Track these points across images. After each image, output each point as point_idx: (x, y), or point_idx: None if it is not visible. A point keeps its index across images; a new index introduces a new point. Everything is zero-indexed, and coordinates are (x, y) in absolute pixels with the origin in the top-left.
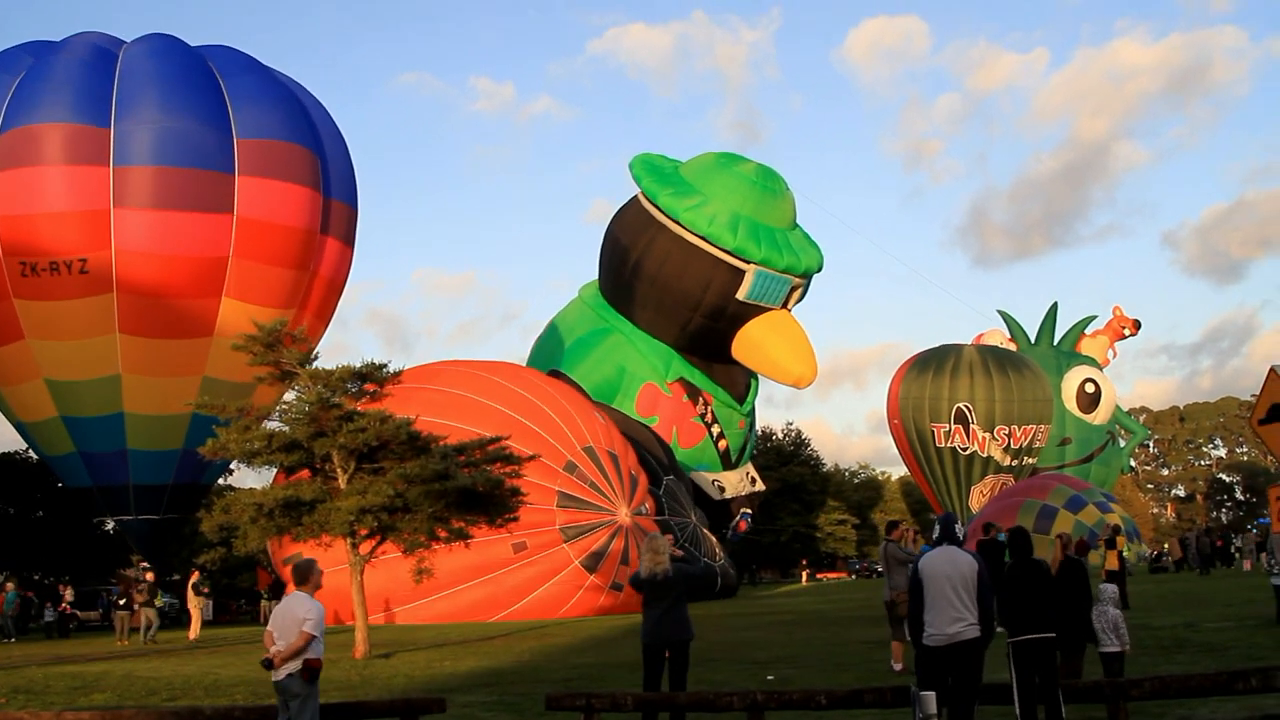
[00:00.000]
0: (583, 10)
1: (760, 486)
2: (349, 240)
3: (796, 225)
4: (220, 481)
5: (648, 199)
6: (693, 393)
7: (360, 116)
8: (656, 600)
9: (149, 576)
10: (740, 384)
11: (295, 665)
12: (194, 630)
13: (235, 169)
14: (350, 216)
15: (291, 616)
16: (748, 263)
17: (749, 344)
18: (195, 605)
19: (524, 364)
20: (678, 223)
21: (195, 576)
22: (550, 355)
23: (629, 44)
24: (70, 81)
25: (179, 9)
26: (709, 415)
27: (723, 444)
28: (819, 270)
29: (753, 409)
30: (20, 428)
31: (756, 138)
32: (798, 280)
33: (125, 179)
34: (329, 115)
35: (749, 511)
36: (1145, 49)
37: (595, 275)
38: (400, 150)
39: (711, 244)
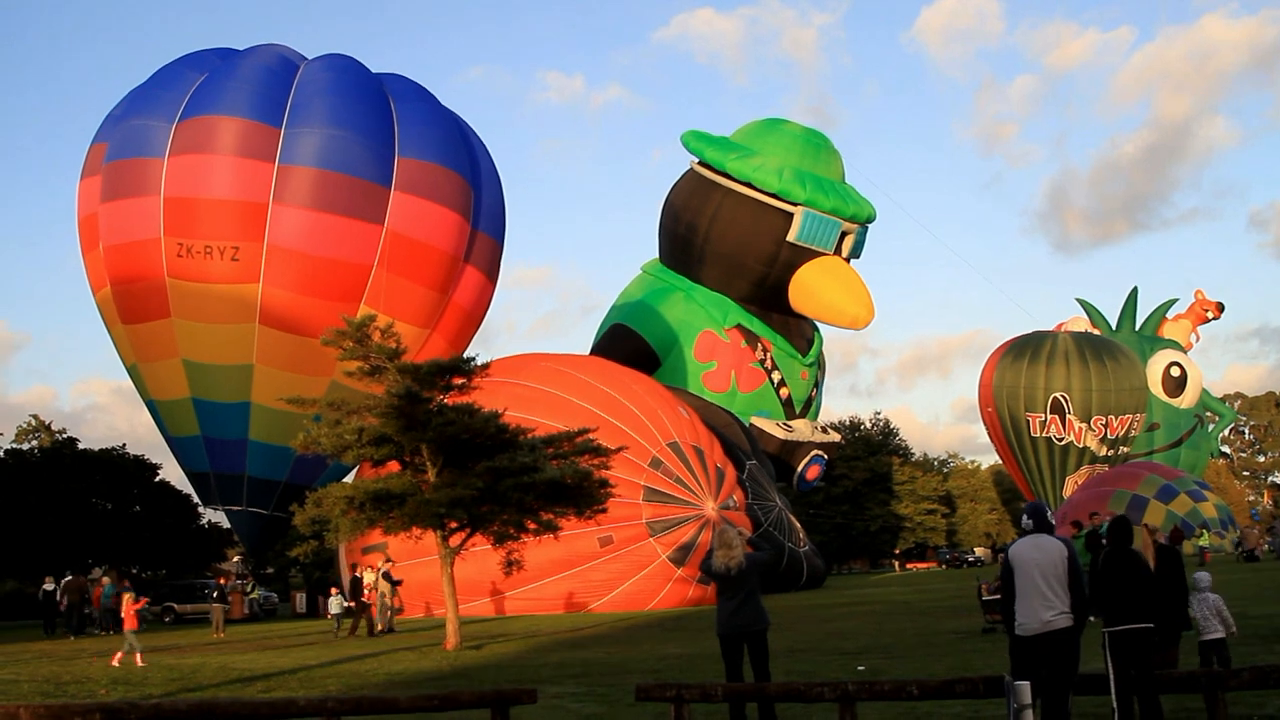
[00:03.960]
0: None
1: (835, 437)
2: (491, 274)
3: (846, 182)
4: None
5: (698, 161)
6: (751, 339)
7: None
8: (731, 592)
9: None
10: (802, 336)
11: None
12: (380, 621)
13: (392, 183)
14: (495, 251)
15: None
16: (794, 204)
17: (803, 289)
18: (386, 594)
19: (592, 339)
20: (725, 174)
21: (382, 565)
22: (612, 318)
23: (698, 29)
24: (251, 81)
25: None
26: (769, 361)
27: (784, 392)
28: (869, 220)
29: (818, 363)
30: (151, 405)
31: (830, 123)
32: (847, 225)
33: (287, 177)
34: (489, 155)
35: (822, 455)
36: (1232, 24)
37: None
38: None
39: (758, 189)
